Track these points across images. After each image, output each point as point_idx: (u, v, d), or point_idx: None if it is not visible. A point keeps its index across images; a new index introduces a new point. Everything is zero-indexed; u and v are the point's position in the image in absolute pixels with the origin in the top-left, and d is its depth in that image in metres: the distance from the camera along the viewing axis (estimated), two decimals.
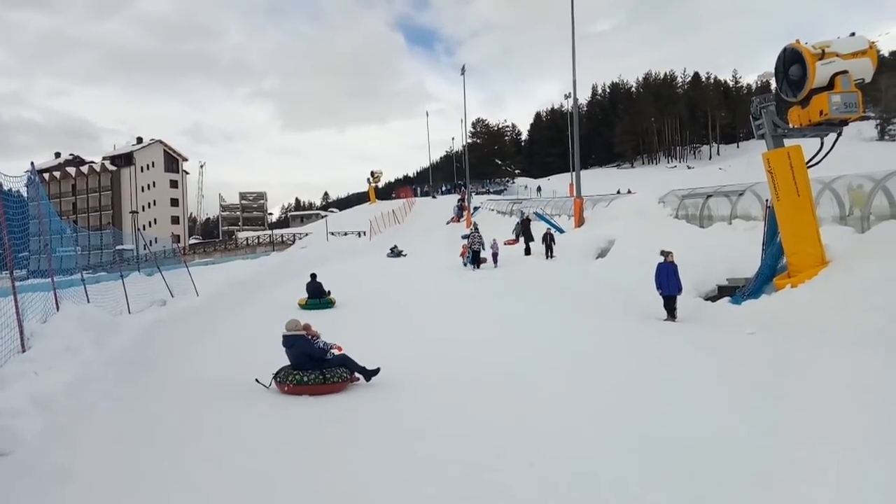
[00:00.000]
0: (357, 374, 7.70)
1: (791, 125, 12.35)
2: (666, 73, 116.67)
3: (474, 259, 22.52)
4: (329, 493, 4.58)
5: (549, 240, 22.29)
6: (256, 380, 7.68)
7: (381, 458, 5.25)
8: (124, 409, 6.49)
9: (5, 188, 8.12)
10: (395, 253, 33.01)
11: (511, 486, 4.58)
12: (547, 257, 21.88)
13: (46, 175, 77.75)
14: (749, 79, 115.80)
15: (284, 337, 7.80)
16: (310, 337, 7.90)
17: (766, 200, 13.26)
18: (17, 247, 8.66)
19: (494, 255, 22.77)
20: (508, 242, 28.75)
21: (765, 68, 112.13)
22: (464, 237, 27.27)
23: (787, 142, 12.45)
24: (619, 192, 40.33)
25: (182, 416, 6.50)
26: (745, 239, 15.36)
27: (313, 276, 16.16)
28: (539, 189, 72.79)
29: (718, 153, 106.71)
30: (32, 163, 11.39)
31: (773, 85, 13.39)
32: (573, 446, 5.36)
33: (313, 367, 7.45)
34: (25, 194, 10.54)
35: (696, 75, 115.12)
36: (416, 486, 4.64)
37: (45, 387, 5.84)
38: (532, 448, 5.35)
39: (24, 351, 7.55)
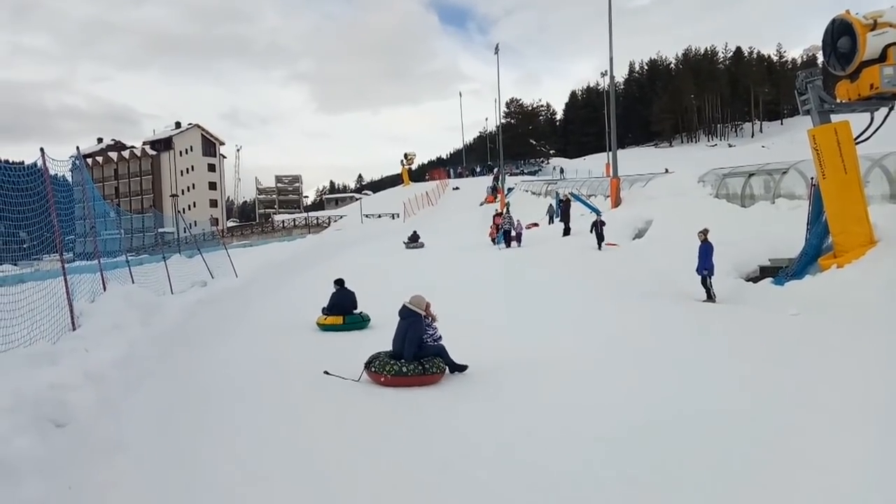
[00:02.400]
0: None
1: (839, 100, 11.88)
2: (706, 49, 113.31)
3: (505, 238, 23.60)
4: (363, 466, 4.66)
5: (599, 228, 19.30)
6: (326, 372, 7.24)
7: (418, 436, 5.34)
8: (169, 385, 6.71)
9: (52, 173, 8.38)
10: (414, 241, 28.29)
11: (546, 464, 4.60)
12: (599, 248, 18.99)
13: (89, 160, 79.97)
14: (794, 53, 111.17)
15: (403, 307, 7.40)
16: (426, 318, 7.39)
17: (812, 178, 12.85)
18: (64, 230, 8.98)
19: (518, 236, 23.63)
20: (530, 226, 28.73)
21: (811, 41, 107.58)
22: (496, 215, 27.82)
23: (835, 117, 12.02)
24: (666, 171, 39.42)
25: (224, 392, 6.69)
26: (789, 218, 14.92)
27: (341, 283, 10.94)
28: (562, 171, 71.84)
29: (761, 130, 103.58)
30: (78, 147, 11.75)
31: (820, 58, 12.82)
32: (607, 425, 5.35)
33: (408, 353, 6.99)
34: (71, 179, 10.89)
35: (739, 50, 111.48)
36: (451, 463, 4.71)
37: (95, 363, 6.10)
38: (565, 426, 5.37)
39: (74, 329, 7.88)
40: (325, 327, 10.28)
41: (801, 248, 12.45)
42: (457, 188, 65.42)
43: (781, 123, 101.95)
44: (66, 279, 8.07)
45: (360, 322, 10.37)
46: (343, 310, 10.46)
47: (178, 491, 4.23)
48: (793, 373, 6.80)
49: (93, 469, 4.33)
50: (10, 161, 8.02)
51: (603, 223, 19.46)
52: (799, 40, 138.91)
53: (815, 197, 12.37)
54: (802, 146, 13.57)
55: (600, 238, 19.10)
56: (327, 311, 10.47)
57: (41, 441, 4.16)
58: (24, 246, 8.00)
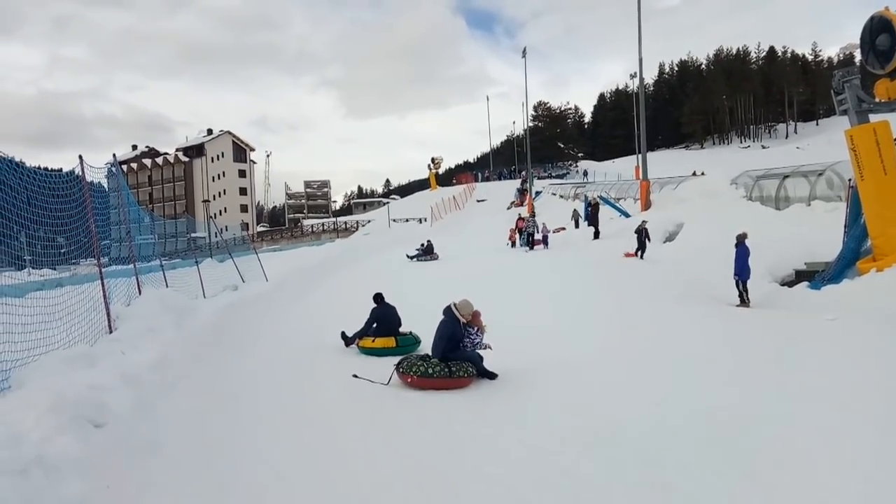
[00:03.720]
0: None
1: (878, 99, 11.59)
2: (739, 49, 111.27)
3: (529, 241, 24.12)
4: (392, 469, 4.67)
5: (644, 236, 17.82)
6: (355, 375, 7.29)
7: (446, 439, 5.34)
8: (203, 387, 6.83)
9: (89, 179, 8.59)
10: (425, 253, 23.58)
11: (576, 469, 4.56)
12: (638, 256, 17.85)
13: (124, 167, 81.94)
14: (830, 52, 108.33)
15: (448, 306, 7.40)
16: (472, 328, 7.33)
17: (849, 180, 12.54)
18: (101, 235, 9.20)
19: (544, 238, 24.12)
20: (557, 230, 28.75)
21: (848, 40, 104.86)
22: (519, 219, 28.02)
23: (873, 117, 11.70)
24: (694, 174, 38.79)
25: (255, 394, 6.79)
26: (826, 221, 14.60)
27: (381, 298, 9.52)
28: (585, 173, 70.64)
29: (796, 131, 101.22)
30: (114, 154, 12.07)
31: (858, 57, 12.50)
32: (639, 430, 5.28)
33: (436, 351, 7.09)
34: (106, 186, 11.16)
35: (772, 50, 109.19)
36: (480, 466, 4.70)
37: (131, 365, 6.24)
38: (596, 430, 5.33)
39: (111, 332, 8.06)
40: (372, 351, 8.75)
41: (839, 252, 12.14)
42: (481, 200, 60.79)
43: (817, 124, 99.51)
44: (103, 283, 8.27)
45: (414, 344, 8.86)
46: (392, 330, 9.08)
47: (211, 491, 4.30)
48: (830, 379, 6.61)
49: (130, 468, 4.42)
50: (49, 168, 8.20)
51: (648, 233, 17.91)
52: (835, 39, 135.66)
53: (853, 199, 12.06)
54: (839, 147, 13.24)
55: (642, 247, 17.74)
56: (374, 332, 9.05)
57: (81, 441, 4.26)
58: (62, 251, 8.19)
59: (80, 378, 5.26)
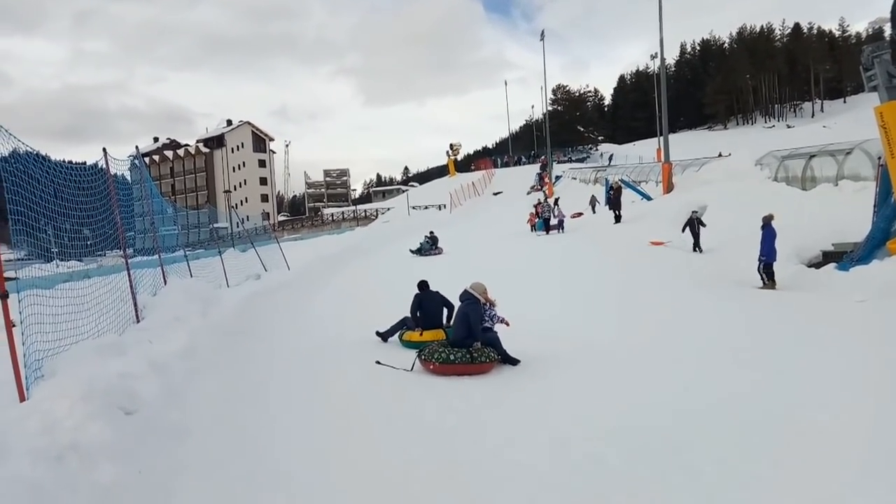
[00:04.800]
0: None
1: None
2: (762, 26, 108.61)
3: (545, 226, 24.39)
4: (416, 454, 4.70)
5: (696, 227, 16.02)
6: (378, 362, 7.33)
7: (469, 425, 5.36)
8: (229, 374, 6.92)
9: (112, 172, 8.71)
10: (429, 245, 21.34)
11: (603, 453, 4.55)
12: (695, 249, 15.94)
13: (147, 159, 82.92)
14: (858, 27, 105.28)
15: (464, 291, 7.52)
16: (485, 304, 7.47)
17: (879, 158, 12.21)
18: (125, 226, 9.34)
19: (560, 223, 24.35)
20: (575, 215, 28.68)
21: (878, 13, 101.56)
22: (536, 204, 27.99)
23: None
24: (720, 155, 38.00)
25: (280, 381, 6.87)
26: (854, 201, 14.26)
27: (425, 286, 8.75)
28: (611, 157, 69.11)
29: (822, 110, 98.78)
30: (137, 147, 12.22)
31: (888, 31, 12.13)
32: (663, 416, 5.26)
33: (463, 339, 7.07)
34: (129, 178, 11.32)
35: (797, 26, 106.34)
36: (503, 452, 4.71)
37: (159, 353, 6.35)
38: (620, 415, 5.32)
39: (138, 321, 8.21)
40: (419, 345, 7.78)
41: (868, 232, 11.87)
42: (497, 192, 57.11)
43: (844, 102, 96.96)
44: (129, 274, 8.42)
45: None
46: (438, 321, 8.45)
47: (240, 476, 4.37)
48: (860, 363, 6.50)
49: (160, 455, 4.51)
50: (73, 161, 8.31)
51: (702, 222, 16.02)
52: (864, 13, 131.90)
53: (883, 177, 11.75)
54: (868, 125, 12.88)
55: (697, 238, 15.95)
56: (420, 323, 8.42)
57: (113, 427, 4.35)
58: (88, 243, 8.33)
59: (111, 367, 5.36)
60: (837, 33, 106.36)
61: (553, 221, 24.50)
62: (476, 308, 7.30)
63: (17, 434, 3.79)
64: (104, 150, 8.45)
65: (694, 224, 15.98)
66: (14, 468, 3.45)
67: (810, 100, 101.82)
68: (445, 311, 8.56)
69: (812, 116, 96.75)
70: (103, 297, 7.40)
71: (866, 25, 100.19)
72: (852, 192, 15.30)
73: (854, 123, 55.60)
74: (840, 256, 12.37)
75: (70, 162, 8.08)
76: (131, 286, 8.44)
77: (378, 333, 8.78)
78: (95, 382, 4.73)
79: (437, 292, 8.71)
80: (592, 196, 32.22)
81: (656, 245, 16.63)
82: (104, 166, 8.39)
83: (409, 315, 8.60)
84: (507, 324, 7.52)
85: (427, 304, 8.51)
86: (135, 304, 8.43)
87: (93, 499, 3.64)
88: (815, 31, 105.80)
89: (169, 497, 3.99)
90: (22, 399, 4.75)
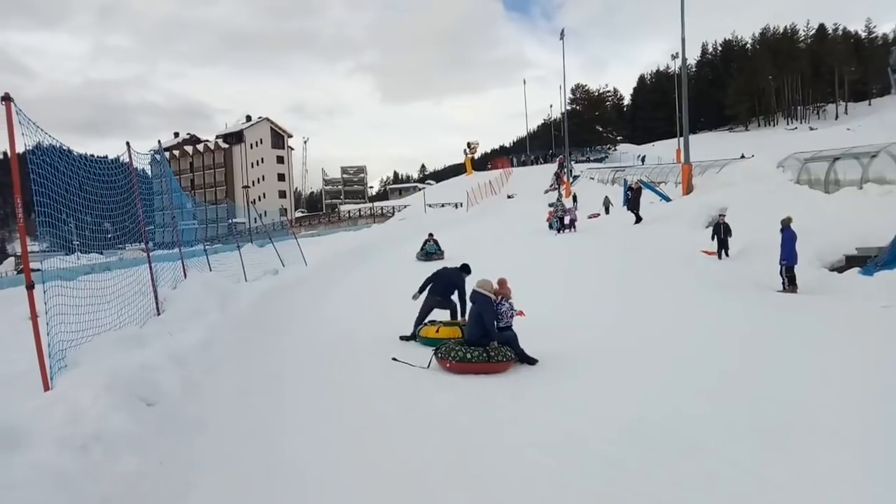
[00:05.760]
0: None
1: None
2: (786, 27, 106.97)
3: (559, 224, 25.13)
4: (432, 452, 4.71)
5: (724, 233, 15.02)
6: (394, 358, 7.34)
7: (485, 423, 5.35)
8: (247, 367, 6.99)
9: (135, 166, 8.80)
10: (434, 247, 19.35)
11: (620, 454, 4.52)
12: (720, 256, 14.99)
13: (167, 153, 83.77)
14: (885, 28, 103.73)
15: (472, 291, 7.50)
16: (496, 298, 7.40)
17: None
18: (146, 220, 9.45)
19: (572, 222, 24.92)
20: (592, 216, 28.75)
21: None
22: (550, 205, 28.42)
23: None
24: (742, 157, 37.45)
25: (297, 374, 6.93)
26: (879, 205, 14.03)
27: (467, 270, 9.05)
28: (643, 158, 67.73)
29: (846, 112, 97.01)
30: (159, 141, 12.37)
31: None
32: (681, 417, 5.22)
33: (479, 339, 7.05)
34: (150, 172, 11.44)
35: (822, 27, 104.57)
36: (520, 451, 4.70)
37: (179, 346, 6.43)
38: (637, 416, 5.28)
39: (159, 314, 8.31)
40: (434, 342, 7.82)
41: (894, 236, 11.66)
42: (511, 195, 54.39)
43: (869, 104, 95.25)
44: (150, 267, 8.52)
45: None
46: (444, 296, 8.61)
47: (256, 468, 4.41)
48: (882, 369, 6.40)
49: (179, 446, 4.56)
50: (95, 155, 8.41)
51: (728, 230, 14.94)
52: (891, 14, 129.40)
53: None
54: (893, 128, 12.62)
55: (723, 245, 14.98)
56: (423, 289, 8.61)
57: (135, 418, 4.41)
58: (109, 236, 8.43)
59: (132, 358, 5.44)
60: (863, 34, 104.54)
61: (565, 220, 25.04)
62: (489, 307, 7.26)
63: (43, 423, 3.86)
64: (127, 143, 8.56)
65: (720, 229, 15.10)
66: (40, 456, 3.50)
67: (834, 102, 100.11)
68: (457, 292, 8.78)
69: (836, 119, 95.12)
70: (124, 290, 7.51)
71: (894, 26, 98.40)
72: (877, 196, 15.03)
73: (879, 126, 54.72)
74: (864, 261, 12.16)
75: (93, 156, 8.18)
76: (153, 279, 8.55)
77: (402, 338, 8.57)
78: (118, 373, 4.80)
79: (456, 271, 8.95)
80: (606, 197, 32.08)
81: (709, 255, 15.22)
82: (127, 160, 8.49)
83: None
84: (522, 314, 7.50)
85: (440, 279, 8.84)
86: (156, 297, 8.54)
87: (115, 488, 3.69)
88: (840, 33, 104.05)
89: (189, 489, 4.03)
90: (46, 388, 4.83)
